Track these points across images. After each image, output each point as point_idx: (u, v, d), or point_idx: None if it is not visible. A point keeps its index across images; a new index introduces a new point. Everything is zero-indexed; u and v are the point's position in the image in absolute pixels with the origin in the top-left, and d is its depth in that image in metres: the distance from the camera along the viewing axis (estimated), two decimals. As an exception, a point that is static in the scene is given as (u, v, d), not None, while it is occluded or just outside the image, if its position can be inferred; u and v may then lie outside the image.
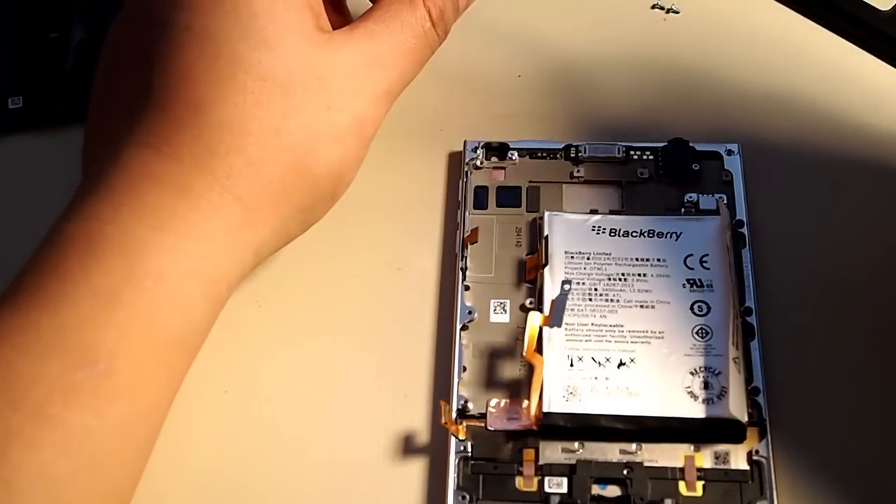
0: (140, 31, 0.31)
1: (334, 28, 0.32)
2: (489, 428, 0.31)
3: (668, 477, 0.31)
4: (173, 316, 0.28)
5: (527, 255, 0.35)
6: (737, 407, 0.31)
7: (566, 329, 0.32)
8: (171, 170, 0.28)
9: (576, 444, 0.31)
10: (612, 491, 0.31)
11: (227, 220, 0.29)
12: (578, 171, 0.37)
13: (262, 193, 0.29)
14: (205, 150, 0.29)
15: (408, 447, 0.32)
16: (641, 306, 0.33)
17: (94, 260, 0.27)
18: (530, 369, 0.32)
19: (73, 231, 0.28)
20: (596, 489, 0.31)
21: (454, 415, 0.32)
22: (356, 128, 0.31)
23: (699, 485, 0.30)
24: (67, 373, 0.25)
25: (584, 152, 0.37)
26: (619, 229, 0.35)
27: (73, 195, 0.30)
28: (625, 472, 0.31)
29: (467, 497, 0.31)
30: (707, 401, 0.31)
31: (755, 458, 0.31)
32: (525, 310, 0.34)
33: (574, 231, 0.35)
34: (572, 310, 0.33)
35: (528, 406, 0.31)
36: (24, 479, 0.24)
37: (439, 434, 0.32)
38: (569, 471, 0.31)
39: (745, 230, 0.35)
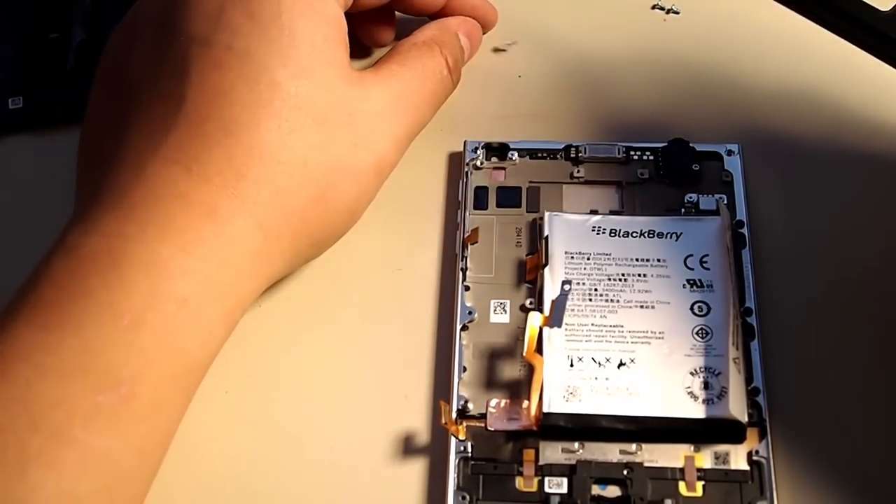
0: (168, 45, 0.30)
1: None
2: (489, 428, 0.31)
3: (669, 477, 0.31)
4: (193, 341, 0.28)
5: (527, 255, 0.35)
6: (737, 407, 0.31)
7: (566, 329, 0.32)
8: (199, 189, 0.28)
9: (576, 445, 0.31)
10: (613, 491, 0.31)
11: (249, 247, 0.29)
12: (578, 171, 0.37)
13: (284, 223, 0.29)
14: (234, 174, 0.28)
15: (408, 447, 0.32)
16: (641, 307, 0.33)
17: (118, 280, 0.26)
18: (530, 370, 0.32)
19: (94, 246, 0.27)
20: (596, 489, 0.31)
21: (454, 415, 0.32)
22: (376, 168, 0.32)
23: (699, 485, 0.30)
24: (89, 396, 0.25)
25: (585, 153, 0.37)
26: (620, 230, 0.35)
27: (81, 205, 0.29)
28: (625, 472, 0.31)
29: (467, 497, 0.31)
30: (707, 401, 0.31)
31: (755, 458, 0.31)
32: (525, 310, 0.34)
33: (574, 231, 0.35)
34: (572, 310, 0.33)
35: (529, 406, 0.31)
36: (42, 500, 0.24)
37: (439, 434, 0.32)
38: (569, 471, 0.31)
39: (745, 231, 0.35)
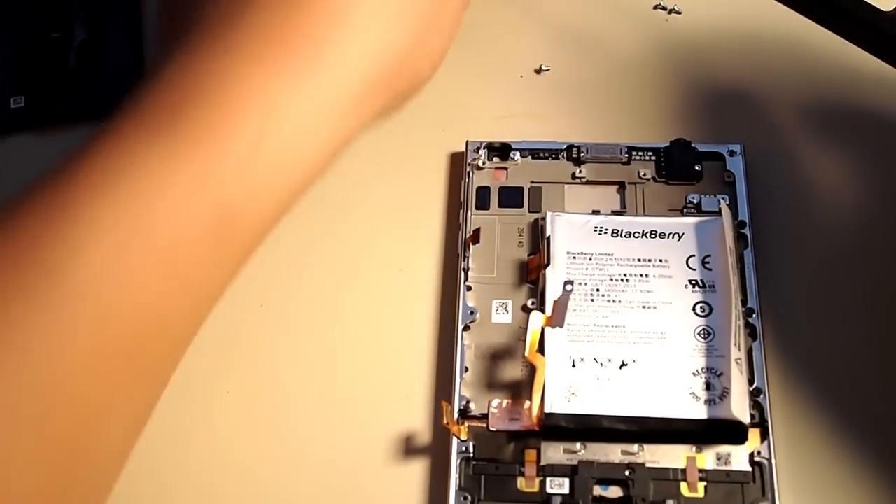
0: None
1: None
2: (491, 428, 0.31)
3: (670, 478, 0.31)
4: (294, 174, 0.28)
5: (529, 255, 0.35)
6: (739, 408, 0.31)
7: (568, 330, 0.32)
8: (306, 32, 0.28)
9: (577, 445, 0.31)
10: (614, 492, 0.31)
11: (351, 92, 0.29)
12: (580, 171, 0.37)
13: (381, 73, 0.29)
14: (339, 22, 0.28)
15: (409, 448, 0.32)
16: (643, 307, 0.33)
17: (227, 109, 0.26)
18: (532, 370, 0.32)
19: (203, 75, 0.27)
20: (598, 490, 0.31)
21: (456, 415, 0.32)
22: (456, 18, 0.32)
23: (701, 486, 0.30)
24: (199, 217, 0.26)
25: (587, 153, 0.37)
26: (621, 230, 0.35)
27: (178, 46, 0.28)
28: (626, 472, 0.31)
29: (469, 498, 0.31)
30: (709, 402, 0.31)
31: (757, 459, 0.31)
32: (527, 310, 0.34)
33: (576, 231, 0.35)
34: (574, 310, 0.33)
35: (530, 407, 0.31)
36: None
37: (441, 435, 0.32)
38: (570, 471, 0.31)
39: (747, 231, 0.35)
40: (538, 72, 0.40)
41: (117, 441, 0.26)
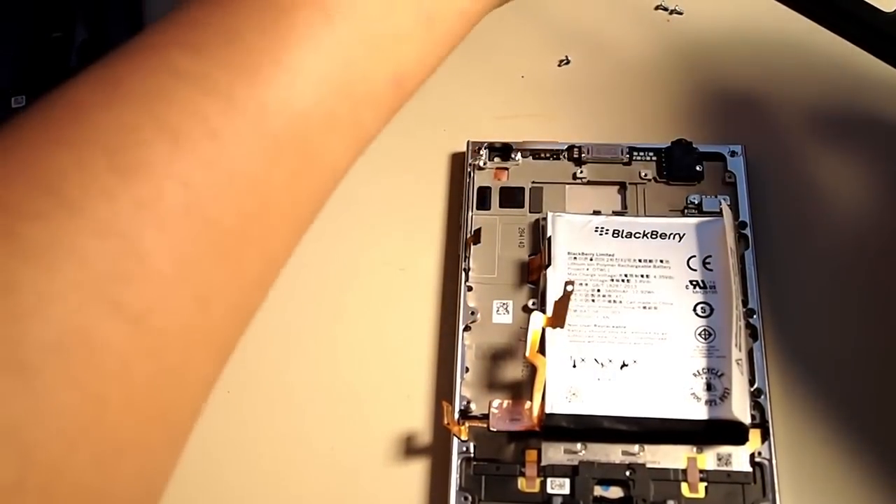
0: None
1: None
2: (492, 429, 0.31)
3: (671, 478, 0.31)
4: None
5: (530, 255, 0.35)
6: (739, 409, 0.31)
7: (569, 330, 0.32)
8: None
9: (578, 446, 0.31)
10: (615, 492, 0.31)
11: None
12: (581, 171, 0.37)
13: None
14: None
15: (410, 448, 0.32)
16: (644, 307, 0.33)
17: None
18: (533, 370, 0.32)
19: None
20: (598, 490, 0.31)
21: (456, 416, 0.32)
22: None
23: (702, 486, 0.30)
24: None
25: (587, 153, 0.37)
26: (622, 230, 0.35)
27: None
28: (627, 473, 0.31)
29: (470, 498, 0.31)
30: (710, 402, 0.31)
31: (758, 459, 0.31)
32: (528, 311, 0.34)
33: (577, 232, 0.35)
34: (575, 311, 0.33)
35: (531, 407, 0.31)
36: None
37: (442, 435, 0.32)
38: (571, 472, 0.31)
39: (748, 231, 0.35)
40: (562, 63, 0.40)
41: (256, 275, 0.24)
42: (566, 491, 0.31)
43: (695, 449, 0.31)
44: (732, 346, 0.32)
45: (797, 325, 0.34)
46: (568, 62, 0.40)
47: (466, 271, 0.35)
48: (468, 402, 0.33)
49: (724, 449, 0.31)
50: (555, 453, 0.31)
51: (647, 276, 0.34)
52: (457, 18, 0.27)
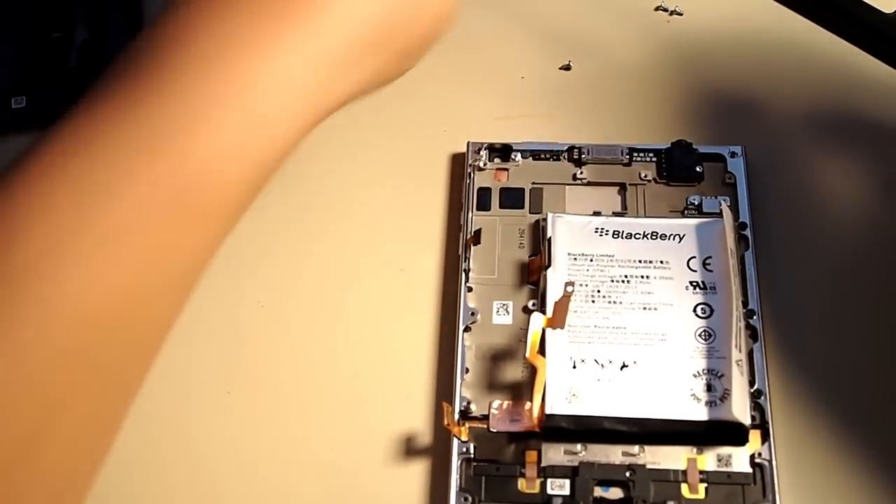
0: None
1: None
2: (492, 430, 0.31)
3: (671, 479, 0.31)
4: (265, 144, 0.26)
5: (530, 256, 0.35)
6: (739, 409, 0.31)
7: (569, 331, 0.32)
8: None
9: (578, 446, 0.31)
10: (615, 493, 0.31)
11: (332, 54, 0.27)
12: (581, 172, 0.37)
13: (369, 30, 0.28)
14: None
15: (410, 449, 0.32)
16: (644, 308, 0.33)
17: (194, 80, 0.25)
18: (533, 371, 0.32)
19: (181, 35, 0.26)
20: (598, 491, 0.31)
21: (456, 416, 0.32)
22: None
23: (702, 487, 0.30)
24: (155, 181, 0.24)
25: (588, 154, 0.37)
26: (622, 231, 0.35)
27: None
28: (627, 474, 0.31)
29: (470, 499, 0.31)
30: (710, 403, 0.31)
31: (758, 460, 0.31)
32: (528, 311, 0.34)
33: (577, 233, 0.35)
34: (575, 311, 0.33)
35: (531, 408, 0.31)
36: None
37: (442, 436, 0.32)
38: (571, 473, 0.31)
39: (748, 232, 0.35)
40: (567, 68, 0.40)
41: (75, 439, 0.24)
42: (566, 492, 0.31)
43: (695, 450, 0.31)
44: (732, 347, 0.32)
45: (797, 326, 0.34)
46: (569, 68, 0.40)
47: (466, 272, 0.35)
48: (468, 403, 0.32)
49: (724, 450, 0.31)
50: (555, 454, 0.31)
51: (647, 276, 0.34)
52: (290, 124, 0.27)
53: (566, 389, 0.31)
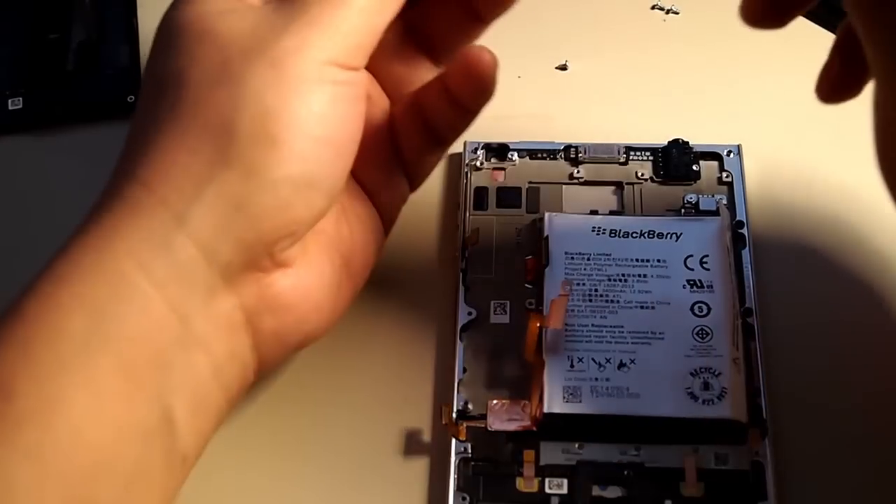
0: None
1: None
2: (490, 429, 0.31)
3: (669, 478, 0.31)
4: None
5: (527, 256, 0.35)
6: (737, 408, 0.31)
7: (566, 330, 0.32)
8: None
9: (576, 445, 0.31)
10: (613, 492, 0.31)
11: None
12: (578, 171, 0.37)
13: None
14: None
15: (408, 448, 0.32)
16: (641, 307, 0.33)
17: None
18: (530, 370, 0.32)
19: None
20: (596, 490, 0.31)
21: (455, 416, 0.32)
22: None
23: (700, 486, 0.30)
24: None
25: (584, 153, 0.37)
26: (619, 230, 0.35)
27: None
28: (625, 473, 0.31)
29: (468, 498, 0.31)
30: (707, 402, 0.31)
31: (755, 459, 0.31)
32: (525, 311, 0.34)
33: (574, 232, 0.35)
34: (572, 311, 0.33)
35: (529, 407, 0.31)
36: None
37: (440, 435, 0.32)
38: (569, 472, 0.31)
39: (745, 231, 0.35)
40: (563, 68, 0.40)
41: None
42: (564, 491, 0.31)
43: (692, 448, 0.31)
44: (730, 346, 0.32)
45: (794, 324, 0.34)
46: (566, 68, 0.40)
47: (464, 271, 0.35)
48: (466, 403, 0.33)
49: (722, 448, 0.31)
50: (553, 453, 0.31)
51: (644, 275, 0.34)
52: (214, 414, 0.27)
53: (564, 388, 0.32)
